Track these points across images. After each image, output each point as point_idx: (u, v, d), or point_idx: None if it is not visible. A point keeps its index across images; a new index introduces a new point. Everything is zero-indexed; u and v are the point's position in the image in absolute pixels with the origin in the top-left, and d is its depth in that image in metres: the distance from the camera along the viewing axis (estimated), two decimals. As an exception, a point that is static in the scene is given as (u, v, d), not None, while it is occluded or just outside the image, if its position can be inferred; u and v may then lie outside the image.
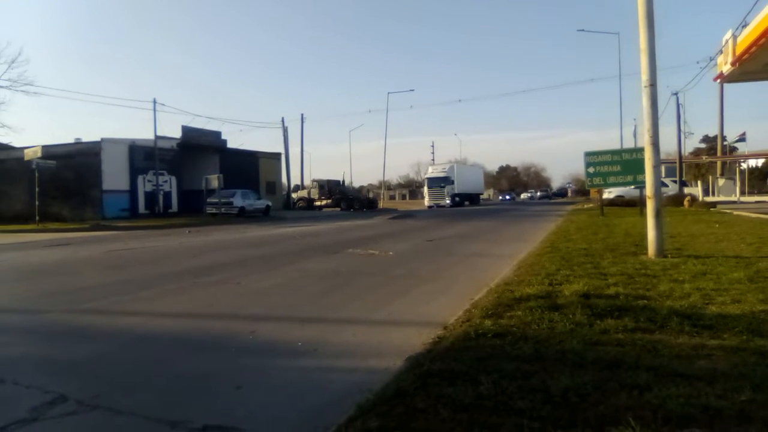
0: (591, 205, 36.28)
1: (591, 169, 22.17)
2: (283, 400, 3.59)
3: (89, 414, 3.36)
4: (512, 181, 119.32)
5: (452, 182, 53.15)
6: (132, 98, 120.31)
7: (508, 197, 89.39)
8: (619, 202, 30.55)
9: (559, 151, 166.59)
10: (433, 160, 78.26)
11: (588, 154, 22.49)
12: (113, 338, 5.30)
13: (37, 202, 25.75)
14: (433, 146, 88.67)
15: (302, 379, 4.00)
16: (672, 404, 2.76)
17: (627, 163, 21.40)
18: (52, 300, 7.13)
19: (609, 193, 29.93)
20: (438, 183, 53.46)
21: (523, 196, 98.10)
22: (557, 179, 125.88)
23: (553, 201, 72.34)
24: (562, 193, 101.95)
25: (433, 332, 4.81)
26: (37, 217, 25.75)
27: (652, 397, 2.88)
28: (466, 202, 58.01)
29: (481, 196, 70.52)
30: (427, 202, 54.21)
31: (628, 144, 42.36)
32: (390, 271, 9.13)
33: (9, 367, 4.29)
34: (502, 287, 6.29)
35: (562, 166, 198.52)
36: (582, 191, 70.85)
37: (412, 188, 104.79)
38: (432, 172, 56.81)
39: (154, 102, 35.34)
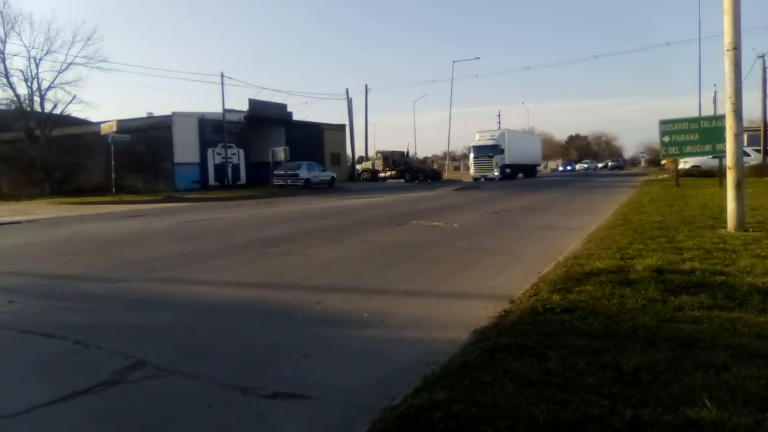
0: (665, 175, 34.81)
1: (666, 138, 21.16)
2: (350, 370, 3.65)
3: (167, 378, 3.52)
4: (582, 150, 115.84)
5: (502, 151, 47.26)
6: (201, 72, 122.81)
7: (569, 168, 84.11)
8: (695, 173, 29.19)
9: (631, 120, 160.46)
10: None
11: (663, 123, 21.46)
12: (187, 306, 5.53)
13: (113, 175, 26.94)
14: (499, 115, 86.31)
15: (368, 349, 4.06)
16: (752, 386, 2.63)
17: (705, 132, 20.30)
18: (130, 269, 7.47)
19: (684, 163, 28.61)
20: (485, 152, 47.50)
21: (579, 167, 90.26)
22: (629, 149, 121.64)
23: (622, 173, 69.08)
24: (625, 164, 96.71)
25: (499, 306, 4.78)
26: (113, 190, 26.96)
27: (730, 377, 2.75)
28: (520, 174, 52.68)
29: (538, 168, 65.14)
30: (472, 173, 48.69)
31: (707, 111, 40.22)
32: (455, 244, 9.08)
33: (92, 333, 4.53)
34: (571, 261, 6.15)
35: (635, 135, 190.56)
36: (655, 161, 67.24)
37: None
38: (479, 139, 50.12)
39: (222, 76, 36.16)
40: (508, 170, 48.17)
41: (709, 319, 3.77)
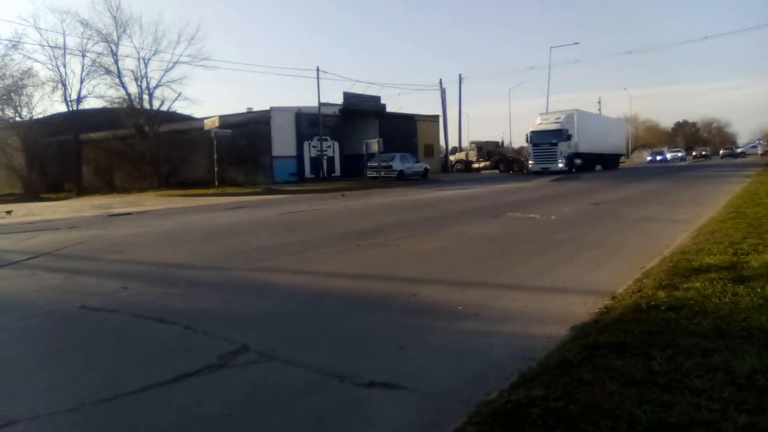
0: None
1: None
2: (445, 362, 3.65)
3: (268, 364, 3.66)
4: (690, 138, 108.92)
5: (569, 137, 38.38)
6: (298, 67, 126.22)
7: (659, 157, 72.56)
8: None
9: (747, 104, 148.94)
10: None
11: (782, 107, 19.86)
12: (287, 295, 5.73)
13: (215, 168, 28.23)
14: (599, 102, 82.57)
15: (463, 342, 4.04)
16: None
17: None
18: (233, 258, 7.83)
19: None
20: (547, 138, 38.38)
21: (670, 155, 76.94)
22: (744, 135, 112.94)
23: (734, 162, 63.45)
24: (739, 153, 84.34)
25: (599, 301, 4.62)
26: (216, 182, 28.27)
27: None
28: (598, 166, 44.90)
29: (621, 158, 56.28)
30: (531, 165, 40.19)
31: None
32: (552, 236, 8.85)
33: (199, 319, 4.78)
34: (678, 256, 5.83)
35: (751, 120, 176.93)
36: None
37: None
38: (540, 123, 40.75)
39: (318, 70, 37.01)
40: (578, 161, 39.46)
41: (834, 320, 3.47)
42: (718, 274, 4.77)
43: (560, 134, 38.37)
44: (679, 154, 77.62)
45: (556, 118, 40.04)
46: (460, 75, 52.71)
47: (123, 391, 3.26)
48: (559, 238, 8.68)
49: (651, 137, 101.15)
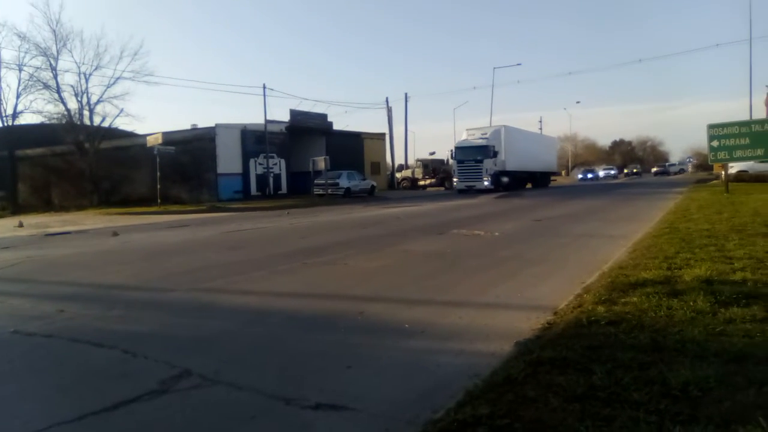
0: (716, 181, 33.82)
1: (715, 143, 20.69)
2: (392, 381, 3.65)
3: (212, 388, 3.58)
4: (626, 156, 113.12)
5: (495, 154, 36.36)
6: (244, 84, 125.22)
7: (590, 175, 71.19)
8: (746, 178, 28.32)
9: (678, 124, 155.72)
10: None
11: (712, 127, 20.98)
12: (232, 316, 5.61)
13: (158, 186, 27.61)
14: (540, 122, 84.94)
15: (410, 360, 4.05)
16: (809, 404, 2.54)
17: (757, 136, 19.79)
18: (176, 279, 7.64)
19: (731, 168, 27.81)
20: (472, 155, 36.22)
21: (602, 173, 77.64)
22: (676, 153, 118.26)
23: (666, 179, 65.97)
24: (668, 170, 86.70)
25: (542, 317, 4.73)
26: (158, 200, 27.63)
27: (787, 395, 2.66)
28: (528, 184, 43.55)
29: (553, 177, 54.76)
30: (455, 183, 38.13)
31: (759, 114, 39.02)
32: (496, 253, 9.01)
33: (140, 342, 4.64)
34: (616, 271, 6.03)
35: (682, 139, 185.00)
36: (704, 166, 64.41)
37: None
38: (466, 138, 38.84)
39: (264, 87, 36.79)
40: (505, 179, 37.59)
41: (762, 332, 3.65)
42: (653, 288, 4.96)
43: (486, 151, 36.32)
44: (612, 172, 78.86)
45: (483, 134, 38.29)
46: (405, 94, 53.51)
47: (58, 421, 3.13)
48: (503, 254, 8.84)
49: (590, 155, 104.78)
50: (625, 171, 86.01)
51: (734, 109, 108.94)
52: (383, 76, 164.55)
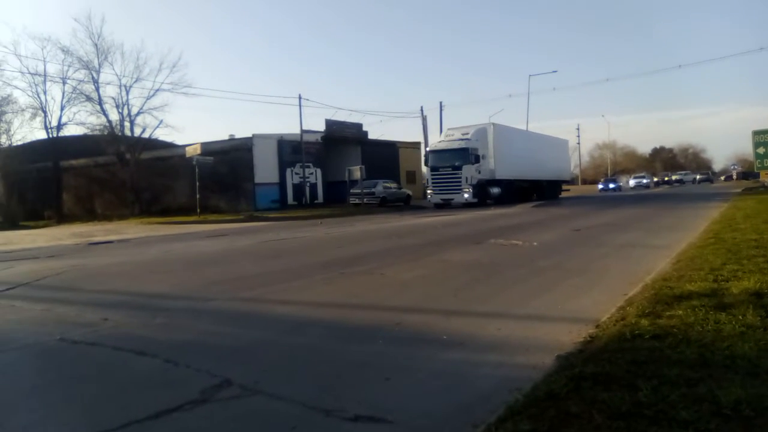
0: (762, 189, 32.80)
1: (761, 150, 20.20)
2: (431, 394, 3.62)
3: (251, 398, 3.60)
4: (667, 163, 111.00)
5: (476, 159, 29.94)
6: (280, 95, 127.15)
7: (612, 185, 62.87)
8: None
9: (722, 131, 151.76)
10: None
11: (757, 133, 20.50)
12: (271, 326, 5.66)
13: (198, 196, 28.10)
14: (578, 129, 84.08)
15: (448, 372, 4.01)
16: None
17: (805, 142, 19.17)
18: (216, 288, 7.74)
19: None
20: (449, 160, 30.19)
21: (632, 182, 70.32)
22: (719, 161, 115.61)
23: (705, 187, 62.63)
24: (714, 177, 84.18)
25: (583, 330, 4.63)
26: (198, 210, 28.11)
27: None
28: (534, 195, 36.47)
29: (564, 185, 45.90)
30: (429, 196, 31.95)
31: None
32: (535, 263, 8.89)
33: (181, 351, 4.71)
34: (660, 283, 5.87)
35: (726, 146, 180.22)
36: (749, 174, 61.54)
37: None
38: (441, 141, 32.88)
39: (300, 98, 37.20)
40: (495, 189, 31.45)
41: (817, 348, 3.50)
42: (699, 301, 4.81)
43: (464, 155, 29.84)
44: (644, 181, 70.70)
45: (463, 134, 31.41)
46: (440, 102, 52.93)
47: (103, 429, 3.19)
48: (542, 264, 8.72)
49: (629, 163, 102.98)
50: (655, 179, 77.34)
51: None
52: (418, 84, 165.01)
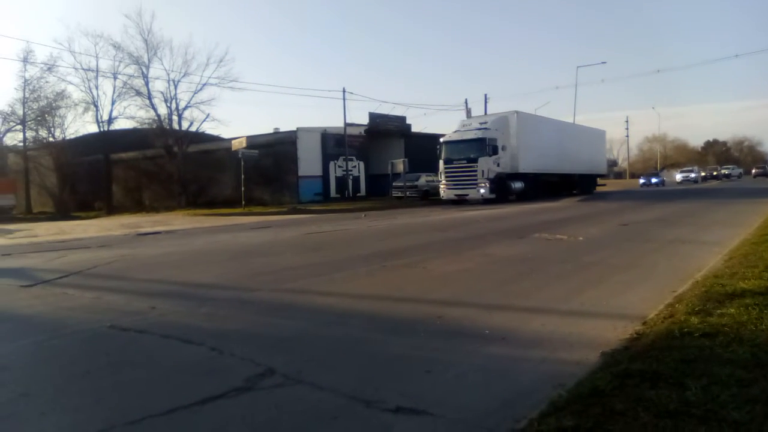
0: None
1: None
2: (472, 388, 3.60)
3: (294, 387, 3.65)
4: (720, 157, 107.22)
5: (494, 150, 27.43)
6: (324, 88, 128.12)
7: (654, 180, 57.62)
8: None
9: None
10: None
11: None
12: (313, 317, 5.72)
13: (243, 188, 28.54)
14: (627, 121, 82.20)
15: (490, 367, 3.98)
16: None
17: None
18: (260, 279, 7.86)
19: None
20: (464, 152, 27.74)
21: (679, 177, 64.99)
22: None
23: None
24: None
25: (629, 327, 4.54)
26: (243, 202, 28.56)
27: None
28: (573, 192, 34.71)
29: (601, 179, 43.12)
30: (442, 192, 29.21)
31: None
32: (580, 258, 8.74)
33: (226, 340, 4.79)
34: (711, 280, 5.69)
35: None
36: None
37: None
38: (457, 131, 30.02)
39: (344, 91, 37.37)
40: (518, 184, 29.12)
41: None
42: (753, 299, 4.64)
43: (481, 145, 27.20)
44: (692, 175, 65.05)
45: (481, 123, 28.95)
46: (485, 95, 52.65)
47: (151, 413, 3.27)
48: (588, 260, 8.56)
49: (680, 156, 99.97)
50: (703, 174, 71.01)
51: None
52: (464, 76, 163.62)
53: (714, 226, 12.87)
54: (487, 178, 27.06)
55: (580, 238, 11.30)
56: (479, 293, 6.51)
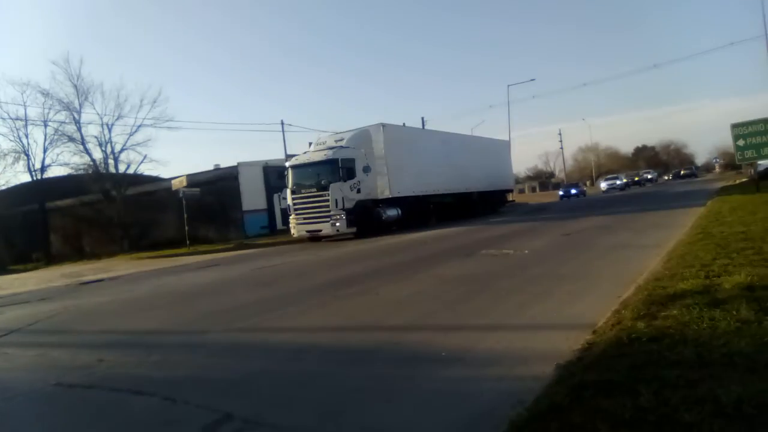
0: (744, 179, 33.09)
1: (741, 142, 20.45)
2: (434, 413, 3.61)
3: (254, 432, 3.57)
4: (650, 161, 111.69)
5: (351, 174, 22.38)
6: (262, 122, 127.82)
7: (574, 191, 51.28)
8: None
9: (701, 125, 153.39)
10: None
11: (735, 126, 20.76)
12: (268, 355, 5.63)
13: (186, 227, 27.94)
14: (560, 134, 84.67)
15: (451, 389, 4.01)
16: None
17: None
18: (211, 320, 7.69)
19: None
20: (313, 178, 22.68)
21: (603, 185, 59.82)
22: (702, 155, 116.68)
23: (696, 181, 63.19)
24: (698, 171, 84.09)
25: (581, 336, 4.64)
26: (187, 241, 27.94)
27: None
28: (474, 212, 29.73)
29: (508, 194, 39.29)
30: (293, 228, 23.36)
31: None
32: (528, 271, 8.91)
33: (179, 387, 4.67)
34: (652, 283, 5.90)
35: (707, 140, 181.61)
36: (732, 166, 61.49)
37: (541, 179, 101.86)
38: (308, 151, 25.18)
39: (282, 124, 37.32)
40: (391, 212, 24.06)
41: (814, 339, 3.52)
42: (693, 299, 4.82)
43: (333, 168, 22.08)
44: (618, 182, 59.16)
45: (337, 141, 23.91)
46: (422, 118, 53.01)
47: (105, 476, 3.14)
48: (535, 272, 8.74)
49: (612, 164, 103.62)
50: (624, 180, 62.97)
51: (756, 107, 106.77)
52: (402, 98, 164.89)
53: (650, 229, 13.34)
54: (343, 209, 21.80)
55: (526, 252, 11.53)
56: (433, 315, 6.58)
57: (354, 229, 22.04)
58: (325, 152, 22.73)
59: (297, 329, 6.63)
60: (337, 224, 21.73)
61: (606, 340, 4.16)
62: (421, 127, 44.23)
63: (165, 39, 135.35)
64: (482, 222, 24.11)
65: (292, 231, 23.52)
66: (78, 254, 36.39)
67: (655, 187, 58.92)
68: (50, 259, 36.61)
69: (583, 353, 4.05)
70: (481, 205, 31.58)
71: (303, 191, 22.75)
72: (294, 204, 23.02)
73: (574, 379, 3.38)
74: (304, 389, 4.39)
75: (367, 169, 22.76)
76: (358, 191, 22.61)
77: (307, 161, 23.29)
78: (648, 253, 9.11)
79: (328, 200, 21.79)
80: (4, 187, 40.43)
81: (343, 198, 21.80)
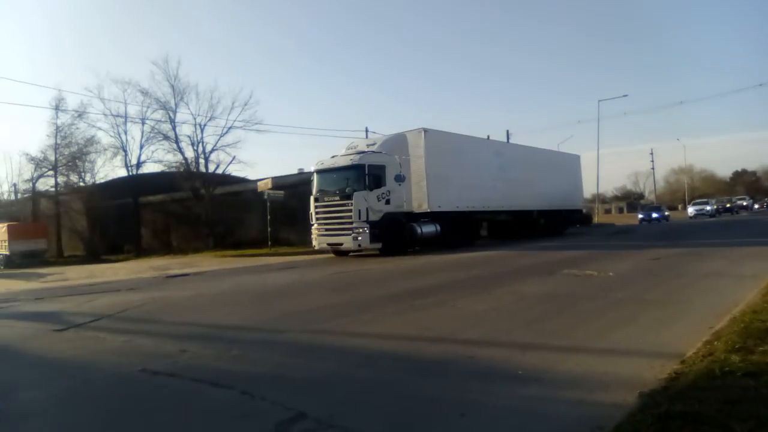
0: None
1: None
2: (509, 431, 3.52)
3: (326, 432, 3.60)
4: (750, 187, 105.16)
5: (378, 182, 19.88)
6: (347, 129, 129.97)
7: (655, 215, 48.65)
8: None
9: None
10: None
11: None
12: (342, 358, 5.68)
13: (269, 229, 28.75)
14: (651, 153, 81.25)
15: (526, 408, 3.91)
16: None
17: None
18: (289, 320, 7.86)
19: None
20: (337, 185, 20.46)
21: (691, 210, 55.53)
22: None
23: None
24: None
25: (667, 365, 4.42)
26: (269, 242, 28.73)
27: None
28: (534, 233, 27.70)
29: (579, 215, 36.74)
30: (314, 240, 21.63)
31: None
32: (611, 295, 8.59)
33: (256, 383, 4.77)
34: (749, 315, 5.55)
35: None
36: None
37: (629, 200, 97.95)
38: (335, 155, 22.14)
39: (366, 131, 37.77)
40: (428, 228, 21.34)
41: None
42: (795, 335, 4.50)
43: (358, 175, 19.67)
44: (707, 208, 54.87)
45: (369, 145, 21.93)
46: (507, 131, 52.46)
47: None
48: (619, 296, 8.42)
49: (708, 187, 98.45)
50: (714, 206, 58.12)
51: None
52: (487, 109, 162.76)
53: (748, 259, 12.56)
54: (367, 221, 19.38)
55: (611, 274, 11.11)
56: (510, 332, 6.41)
57: (379, 245, 19.74)
58: (352, 157, 20.45)
59: (372, 335, 6.66)
60: (359, 238, 19.38)
61: (695, 371, 3.94)
62: (506, 140, 43.45)
63: (258, 43, 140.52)
64: (546, 242, 22.95)
65: (314, 243, 21.62)
66: (166, 248, 38.16)
67: (750, 215, 55.45)
68: (140, 251, 38.61)
69: (670, 383, 3.85)
70: (543, 225, 29.26)
71: (326, 199, 20.73)
72: (316, 212, 21.05)
73: (660, 408, 3.22)
74: (377, 395, 4.40)
75: (399, 178, 20.35)
76: (387, 202, 20.08)
77: (332, 166, 20.96)
78: (745, 283, 8.57)
79: (351, 210, 19.53)
80: (102, 181, 43.18)
81: (368, 209, 19.43)
